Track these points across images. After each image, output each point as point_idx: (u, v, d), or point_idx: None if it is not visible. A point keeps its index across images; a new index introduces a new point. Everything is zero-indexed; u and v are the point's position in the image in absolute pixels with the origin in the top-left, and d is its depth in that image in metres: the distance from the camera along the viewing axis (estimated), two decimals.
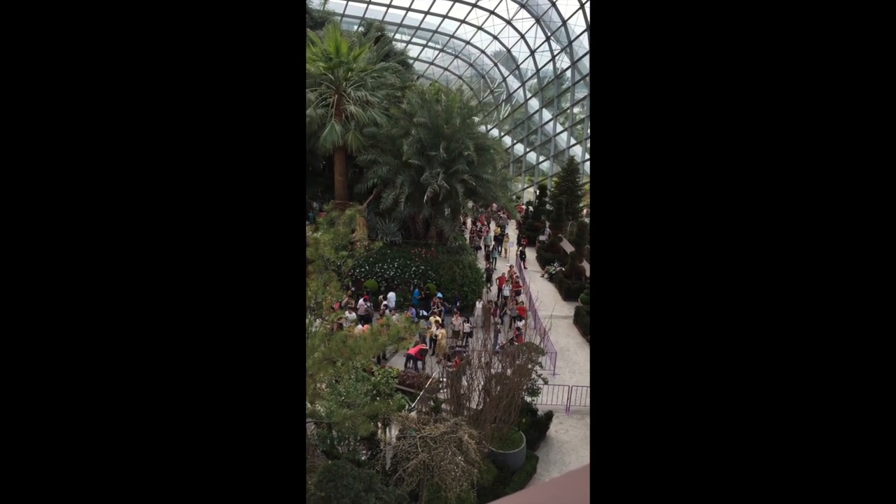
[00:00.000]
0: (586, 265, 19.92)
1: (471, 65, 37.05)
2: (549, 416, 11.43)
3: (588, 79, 28.08)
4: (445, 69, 37.22)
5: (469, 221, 26.36)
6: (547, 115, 34.30)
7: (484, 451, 8.85)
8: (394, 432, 9.85)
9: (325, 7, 28.08)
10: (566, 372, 14.09)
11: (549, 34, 30.51)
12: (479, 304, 17.01)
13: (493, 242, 24.38)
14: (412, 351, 13.35)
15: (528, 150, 36.70)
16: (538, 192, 29.59)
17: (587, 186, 28.74)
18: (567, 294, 19.18)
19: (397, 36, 31.89)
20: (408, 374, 12.50)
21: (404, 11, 31.11)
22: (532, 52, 32.27)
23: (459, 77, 37.72)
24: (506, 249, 24.62)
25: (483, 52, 35.13)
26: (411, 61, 29.31)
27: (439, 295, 16.82)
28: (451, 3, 30.03)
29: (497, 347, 12.29)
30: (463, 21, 31.85)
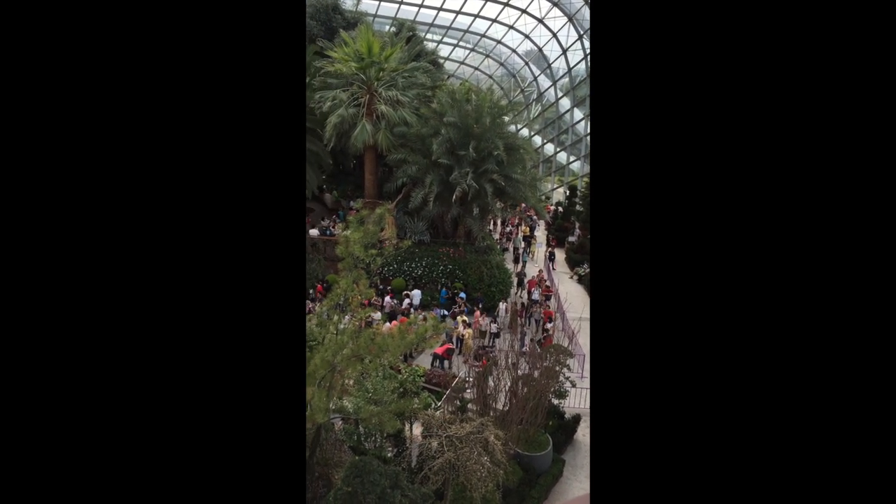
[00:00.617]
0: None
1: (501, 64, 36.91)
2: (576, 419, 11.30)
3: None
4: (476, 69, 37.15)
5: (499, 223, 26.22)
6: (578, 114, 33.89)
7: (510, 453, 8.81)
8: (419, 430, 9.88)
9: (357, 7, 28.39)
10: None
11: (581, 32, 30.11)
12: (502, 305, 16.92)
13: (522, 244, 24.19)
14: (439, 350, 13.39)
15: (558, 149, 36.35)
16: (568, 192, 29.32)
17: None
18: None
19: (428, 36, 32.01)
20: (434, 372, 12.53)
21: (436, 11, 31.19)
22: (564, 51, 31.92)
23: (490, 76, 37.62)
24: (534, 251, 24.40)
25: (514, 51, 34.93)
26: (442, 61, 29.39)
27: (462, 295, 16.81)
28: (483, 2, 29.96)
29: (524, 348, 12.21)
30: (494, 20, 31.75)
